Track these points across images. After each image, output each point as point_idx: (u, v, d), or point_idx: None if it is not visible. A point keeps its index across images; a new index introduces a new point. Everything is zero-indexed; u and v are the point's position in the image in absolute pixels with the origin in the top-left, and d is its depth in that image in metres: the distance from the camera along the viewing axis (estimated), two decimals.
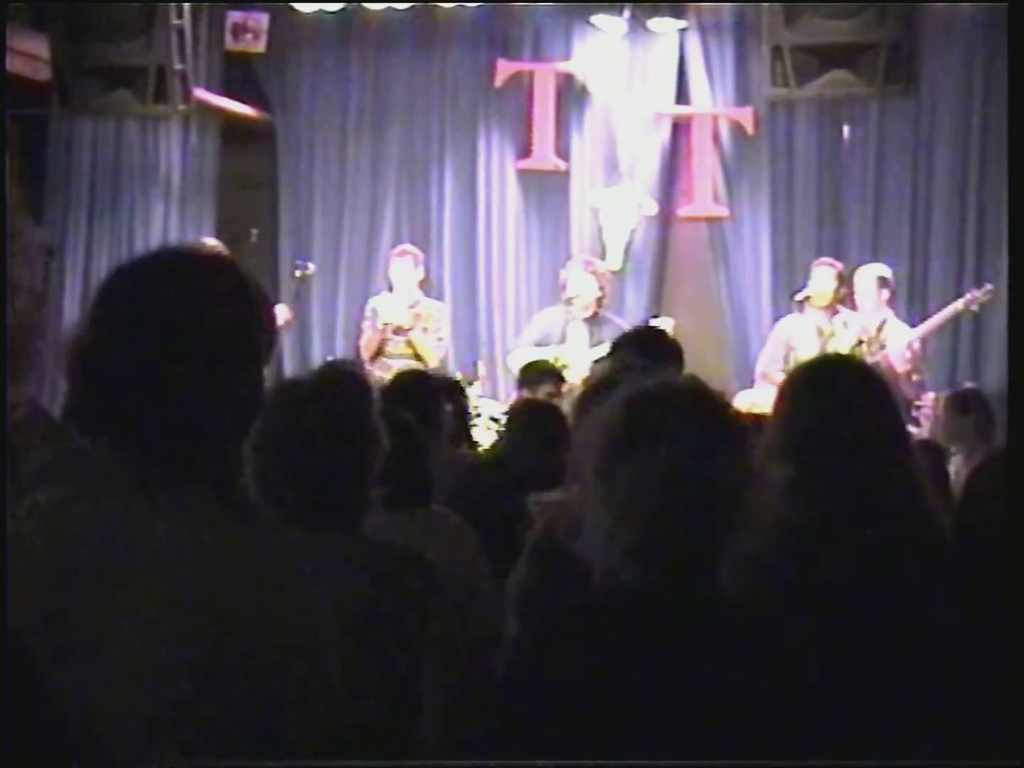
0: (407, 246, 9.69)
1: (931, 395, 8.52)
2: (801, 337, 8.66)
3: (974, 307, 8.86)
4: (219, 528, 1.84)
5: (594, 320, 9.00)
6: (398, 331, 9.22)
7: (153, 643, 1.72)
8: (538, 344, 9.04)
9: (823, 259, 9.05)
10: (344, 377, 3.03)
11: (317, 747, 1.81)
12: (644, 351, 4.92)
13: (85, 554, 1.75)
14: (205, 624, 1.75)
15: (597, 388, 3.64)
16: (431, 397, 5.34)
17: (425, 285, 9.63)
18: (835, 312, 8.76)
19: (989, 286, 8.84)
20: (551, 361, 8.19)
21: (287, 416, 2.79)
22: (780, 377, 8.19)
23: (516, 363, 9.09)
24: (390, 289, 9.52)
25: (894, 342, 8.60)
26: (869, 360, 8.05)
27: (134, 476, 1.80)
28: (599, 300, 9.09)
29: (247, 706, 1.75)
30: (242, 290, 1.91)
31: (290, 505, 2.74)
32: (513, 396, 8.80)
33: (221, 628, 1.75)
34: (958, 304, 8.83)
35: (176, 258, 1.93)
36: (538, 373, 7.59)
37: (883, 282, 8.84)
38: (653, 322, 9.24)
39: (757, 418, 3.45)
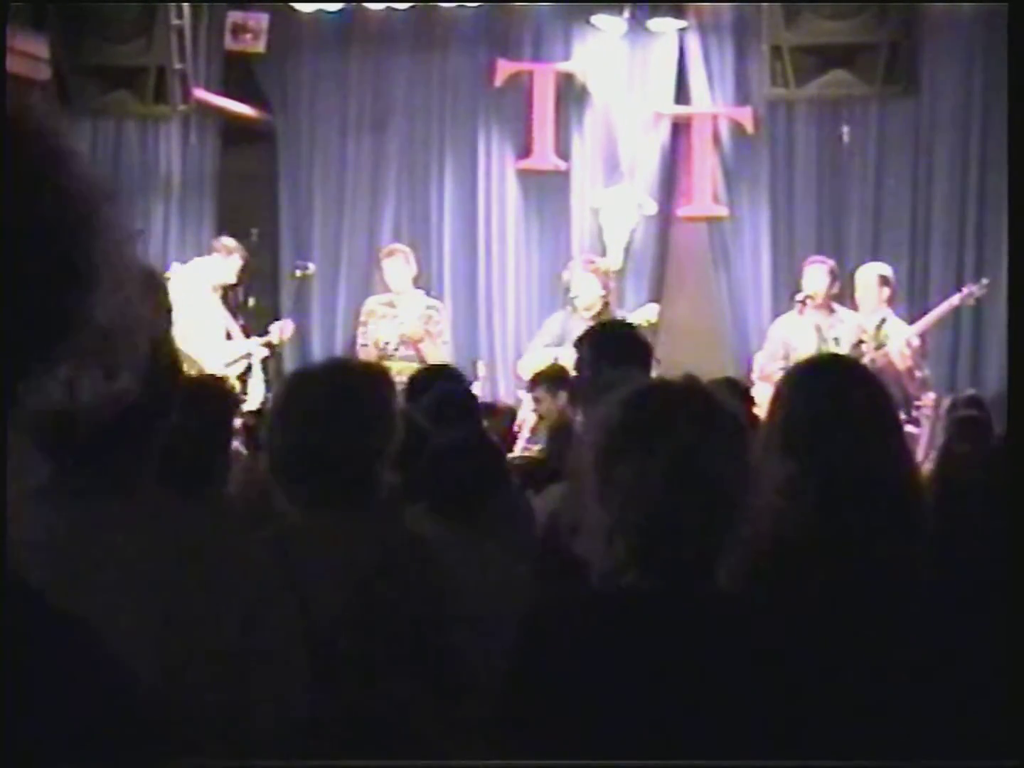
0: (394, 245, 9.70)
1: (931, 395, 8.51)
2: (799, 336, 8.66)
3: (970, 302, 8.86)
4: (176, 518, 1.84)
5: (600, 318, 8.96)
6: (407, 342, 9.19)
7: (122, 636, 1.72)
8: (548, 347, 9.00)
9: (814, 257, 9.05)
10: (359, 363, 3.08)
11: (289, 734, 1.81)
12: (603, 351, 4.85)
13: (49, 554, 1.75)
14: (171, 615, 1.75)
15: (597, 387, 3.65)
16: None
17: (421, 282, 9.63)
18: (831, 310, 8.76)
19: (985, 280, 8.85)
20: (551, 365, 8.13)
21: (299, 395, 2.82)
22: (779, 375, 8.22)
23: (523, 369, 9.06)
24: (386, 291, 9.50)
25: (894, 340, 8.60)
26: (868, 359, 8.06)
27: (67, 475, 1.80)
28: (603, 298, 9.05)
29: (220, 699, 1.75)
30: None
31: (299, 482, 2.76)
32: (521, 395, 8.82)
33: (186, 618, 1.75)
34: (954, 299, 8.83)
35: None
36: (534, 380, 7.56)
37: (884, 280, 8.84)
38: (640, 310, 9.26)
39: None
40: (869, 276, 8.86)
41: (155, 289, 1.94)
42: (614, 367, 4.55)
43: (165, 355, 1.92)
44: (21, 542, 1.72)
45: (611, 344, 4.96)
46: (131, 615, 1.72)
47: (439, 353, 9.11)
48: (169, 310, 1.99)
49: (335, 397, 2.79)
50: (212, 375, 6.57)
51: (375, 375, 2.99)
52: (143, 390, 1.83)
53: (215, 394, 4.06)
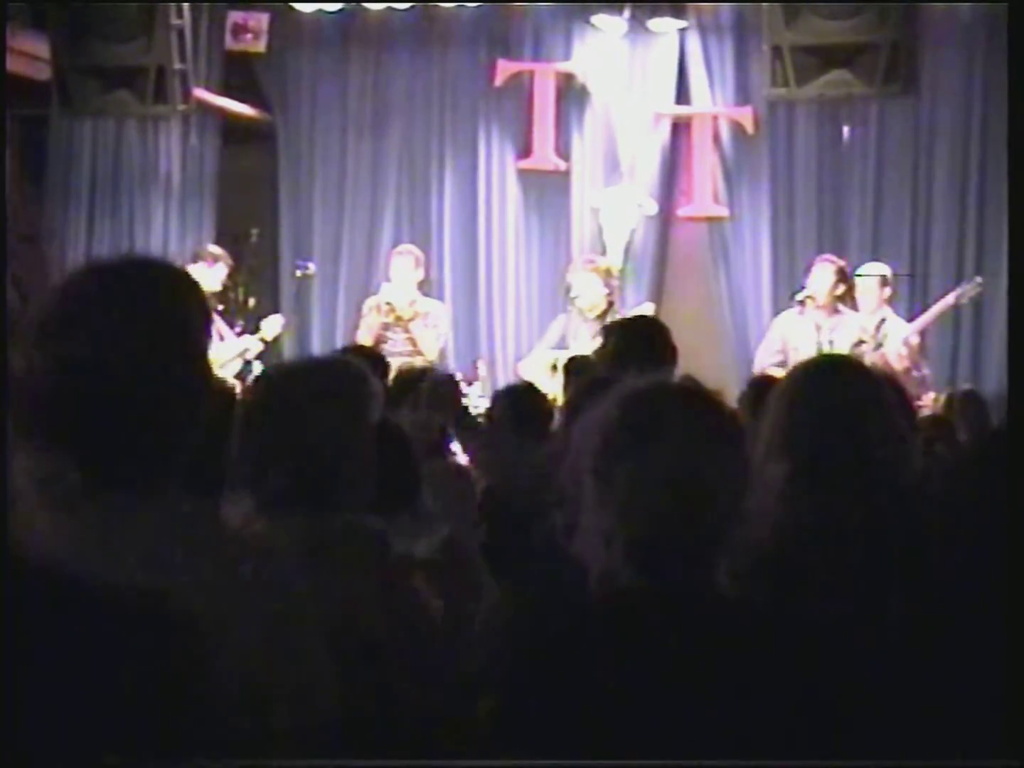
0: (409, 246, 9.67)
1: (931, 395, 8.51)
2: (800, 336, 8.66)
3: (964, 300, 8.84)
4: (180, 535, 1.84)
5: (604, 319, 8.92)
6: (397, 322, 9.18)
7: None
8: (551, 350, 8.97)
9: (823, 256, 9.05)
10: (333, 362, 3.01)
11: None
12: (630, 347, 4.83)
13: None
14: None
15: (592, 387, 3.62)
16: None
17: (425, 286, 9.62)
18: (835, 310, 8.75)
19: (978, 279, 8.84)
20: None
21: (265, 395, 2.77)
22: (776, 372, 8.25)
23: (524, 370, 9.04)
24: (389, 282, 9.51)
25: (892, 340, 8.60)
26: (868, 359, 8.06)
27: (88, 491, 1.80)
28: (608, 297, 9.00)
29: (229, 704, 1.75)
30: (178, 296, 1.91)
31: (262, 485, 2.70)
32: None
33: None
34: (949, 299, 8.82)
35: (109, 269, 1.92)
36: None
37: (884, 281, 8.84)
38: (635, 310, 9.25)
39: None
40: (870, 280, 8.85)
41: (200, 309, 1.95)
42: (639, 368, 4.48)
43: (199, 360, 1.92)
44: (44, 547, 1.73)
45: (639, 342, 4.92)
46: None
47: (431, 339, 9.12)
48: (208, 315, 1.98)
49: (301, 397, 2.72)
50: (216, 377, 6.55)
51: (349, 374, 2.86)
52: (174, 395, 1.84)
53: (219, 395, 4.01)
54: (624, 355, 4.95)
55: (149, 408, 1.84)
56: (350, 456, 2.72)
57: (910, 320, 8.92)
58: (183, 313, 1.91)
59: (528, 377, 8.79)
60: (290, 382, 2.78)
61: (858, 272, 8.90)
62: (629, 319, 5.60)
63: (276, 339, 9.61)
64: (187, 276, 1.99)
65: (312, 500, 2.68)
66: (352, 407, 2.76)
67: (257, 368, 9.35)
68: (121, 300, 1.84)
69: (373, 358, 5.92)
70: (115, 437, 1.82)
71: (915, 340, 8.69)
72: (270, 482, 2.69)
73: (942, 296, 9.18)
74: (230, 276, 9.55)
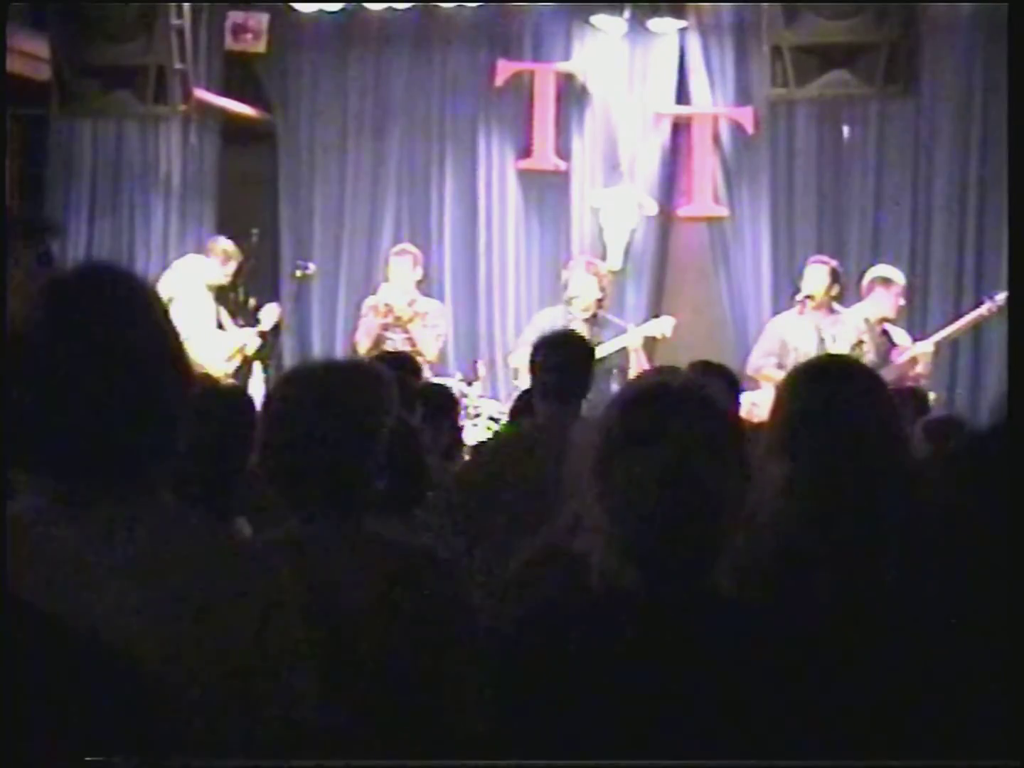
0: (407, 245, 9.68)
1: (932, 395, 8.51)
2: (798, 336, 8.66)
3: (996, 312, 8.79)
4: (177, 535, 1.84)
5: (593, 321, 8.99)
6: (396, 323, 9.20)
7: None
8: None
9: (815, 257, 9.06)
10: (354, 364, 3.02)
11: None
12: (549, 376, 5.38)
13: (60, 565, 1.75)
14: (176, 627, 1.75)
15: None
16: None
17: (424, 285, 9.63)
18: (831, 310, 8.76)
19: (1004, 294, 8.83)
20: None
21: (290, 394, 2.78)
22: (771, 372, 8.29)
23: (517, 362, 9.07)
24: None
25: (923, 347, 8.68)
26: (893, 368, 8.13)
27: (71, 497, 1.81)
28: (599, 301, 9.07)
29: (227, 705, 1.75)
30: (151, 306, 1.91)
31: (287, 485, 2.72)
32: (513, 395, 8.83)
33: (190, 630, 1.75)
34: (982, 310, 8.81)
35: (87, 277, 1.92)
36: None
37: (907, 291, 8.90)
38: (655, 323, 9.29)
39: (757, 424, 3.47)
40: (899, 285, 8.85)
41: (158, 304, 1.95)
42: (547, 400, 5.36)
43: (175, 363, 1.92)
44: (32, 560, 1.73)
45: (553, 374, 5.39)
46: (139, 627, 1.72)
47: (430, 339, 9.14)
48: (173, 326, 1.98)
49: (325, 398, 2.73)
50: (233, 384, 6.58)
51: (369, 376, 2.88)
52: (154, 399, 1.84)
53: (234, 403, 4.02)
54: (535, 384, 5.49)
55: (128, 414, 1.83)
56: (368, 457, 2.73)
57: (908, 321, 8.94)
58: (152, 317, 1.91)
59: (518, 367, 8.87)
60: (312, 384, 2.79)
61: (884, 276, 8.87)
62: (557, 344, 5.59)
63: (276, 334, 9.63)
64: (146, 283, 1.99)
65: (332, 501, 2.70)
66: (371, 409, 2.77)
67: (257, 368, 9.38)
68: (87, 310, 1.84)
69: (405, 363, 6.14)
70: (94, 446, 1.81)
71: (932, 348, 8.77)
72: (294, 482, 2.71)
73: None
74: (235, 273, 9.58)
